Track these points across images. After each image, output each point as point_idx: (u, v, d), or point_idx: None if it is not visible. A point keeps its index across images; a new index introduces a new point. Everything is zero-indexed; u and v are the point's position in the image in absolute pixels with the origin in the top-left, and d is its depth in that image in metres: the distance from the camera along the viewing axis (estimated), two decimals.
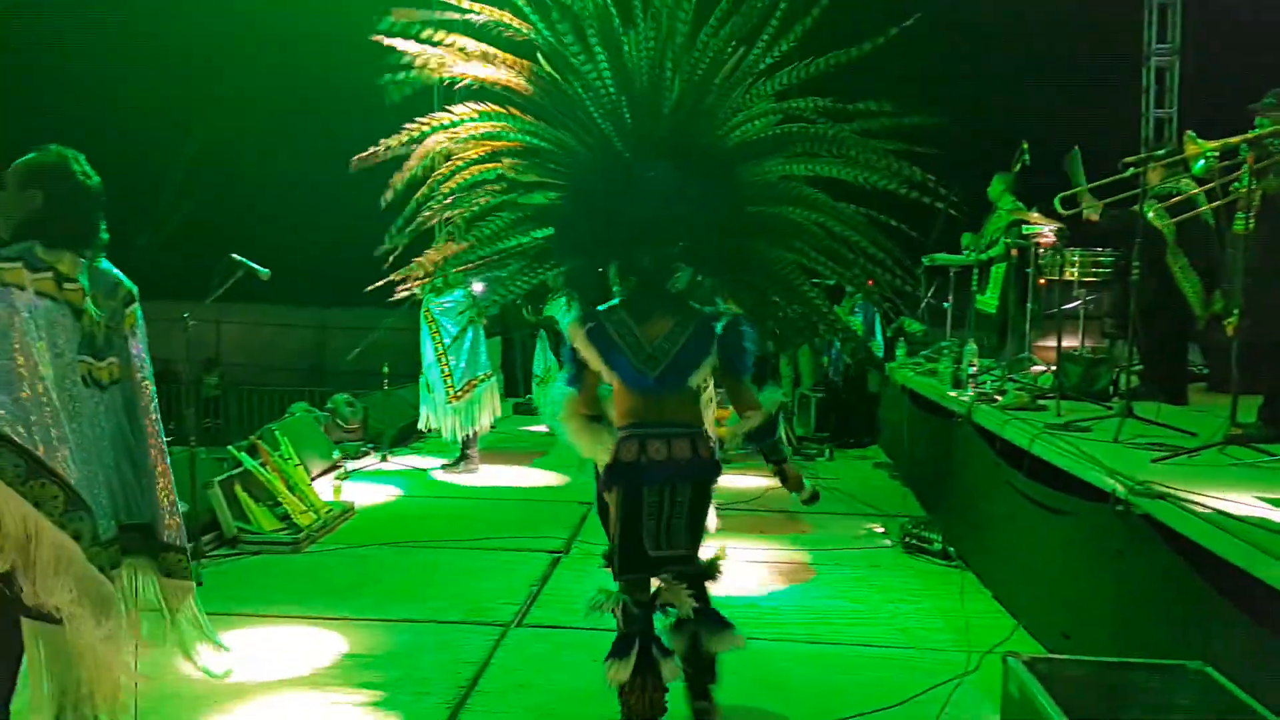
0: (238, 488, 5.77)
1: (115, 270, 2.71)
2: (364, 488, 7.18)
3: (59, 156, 2.63)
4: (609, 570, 3.42)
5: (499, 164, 3.42)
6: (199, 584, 4.75)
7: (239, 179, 14.37)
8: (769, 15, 3.19)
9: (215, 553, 5.44)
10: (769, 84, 3.30)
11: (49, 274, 2.47)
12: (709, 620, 3.41)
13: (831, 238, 3.42)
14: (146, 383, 2.69)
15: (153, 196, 14.52)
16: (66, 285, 2.50)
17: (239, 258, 5.12)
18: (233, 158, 14.25)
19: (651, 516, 3.25)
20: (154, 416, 2.69)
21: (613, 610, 3.37)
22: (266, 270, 5.17)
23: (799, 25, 3.21)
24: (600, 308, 3.35)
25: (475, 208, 3.46)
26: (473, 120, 3.34)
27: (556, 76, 3.32)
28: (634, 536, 3.26)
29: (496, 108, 3.32)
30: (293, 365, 15.87)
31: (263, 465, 6.10)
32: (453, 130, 3.34)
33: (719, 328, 3.28)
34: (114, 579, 2.53)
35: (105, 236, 2.67)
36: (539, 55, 3.34)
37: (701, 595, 3.40)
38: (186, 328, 5.30)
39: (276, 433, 6.68)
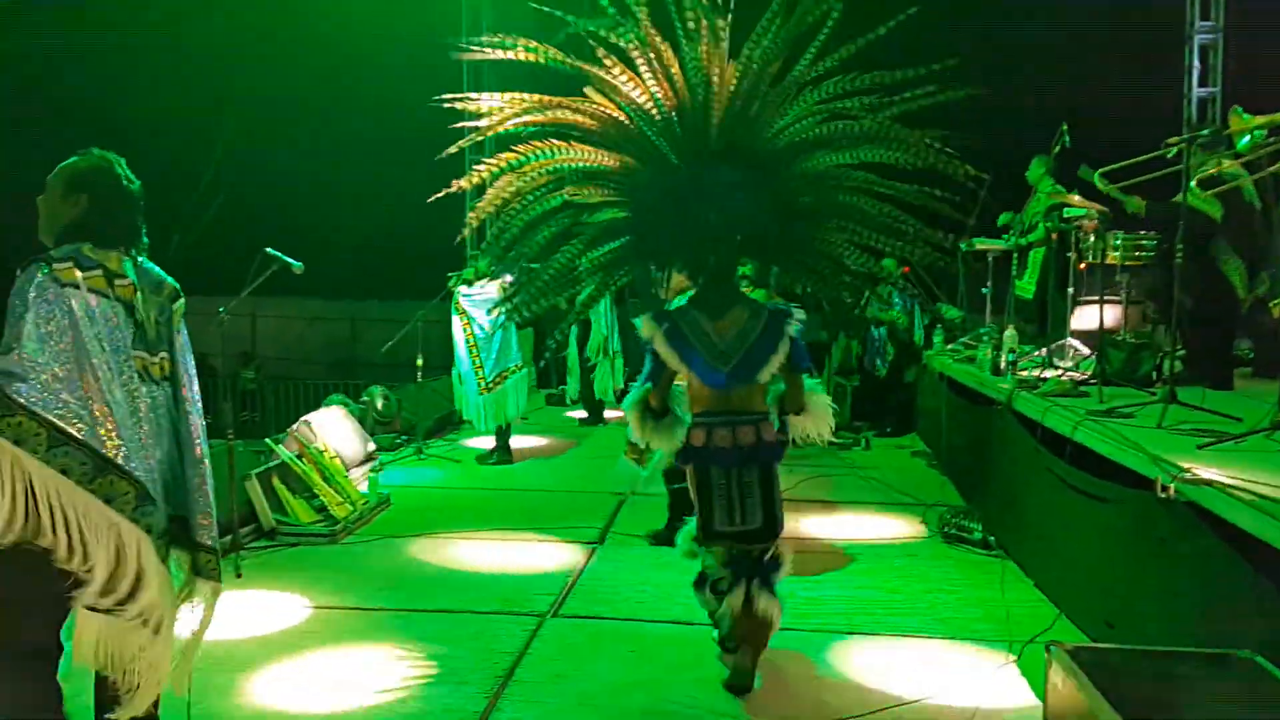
0: (275, 480, 5.84)
1: (158, 269, 2.74)
2: (399, 479, 7.23)
3: (102, 160, 2.65)
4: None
5: (562, 192, 3.66)
6: (239, 576, 4.88)
7: (271, 174, 14.50)
8: (817, 28, 3.41)
9: (254, 544, 5.51)
10: (815, 92, 3.55)
11: (99, 271, 2.49)
12: (765, 579, 3.66)
13: (880, 216, 3.68)
14: (191, 379, 2.72)
15: (186, 192, 14.71)
16: (117, 282, 2.53)
17: (273, 252, 5.15)
18: (265, 153, 14.39)
19: (721, 496, 3.60)
20: (198, 411, 2.72)
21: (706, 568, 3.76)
22: (300, 264, 5.20)
23: (843, 47, 3.47)
24: (671, 306, 3.68)
25: (541, 240, 3.72)
26: (536, 158, 3.55)
27: (607, 106, 3.57)
28: (709, 512, 3.63)
29: (556, 142, 3.56)
30: (326, 358, 16.02)
31: (299, 458, 6.16)
32: (520, 171, 3.59)
33: (791, 328, 3.58)
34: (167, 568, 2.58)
35: (146, 240, 2.71)
36: (586, 90, 3.59)
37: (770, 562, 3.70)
38: (222, 322, 5.35)
39: (312, 425, 6.73)
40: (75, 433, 2.30)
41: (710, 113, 3.53)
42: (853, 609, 4.56)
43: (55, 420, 2.28)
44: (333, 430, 7.06)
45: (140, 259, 2.67)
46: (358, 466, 7.24)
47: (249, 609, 4.52)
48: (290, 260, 5.17)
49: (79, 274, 2.44)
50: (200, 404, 2.74)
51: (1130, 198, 5.85)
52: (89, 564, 2.31)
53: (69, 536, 2.28)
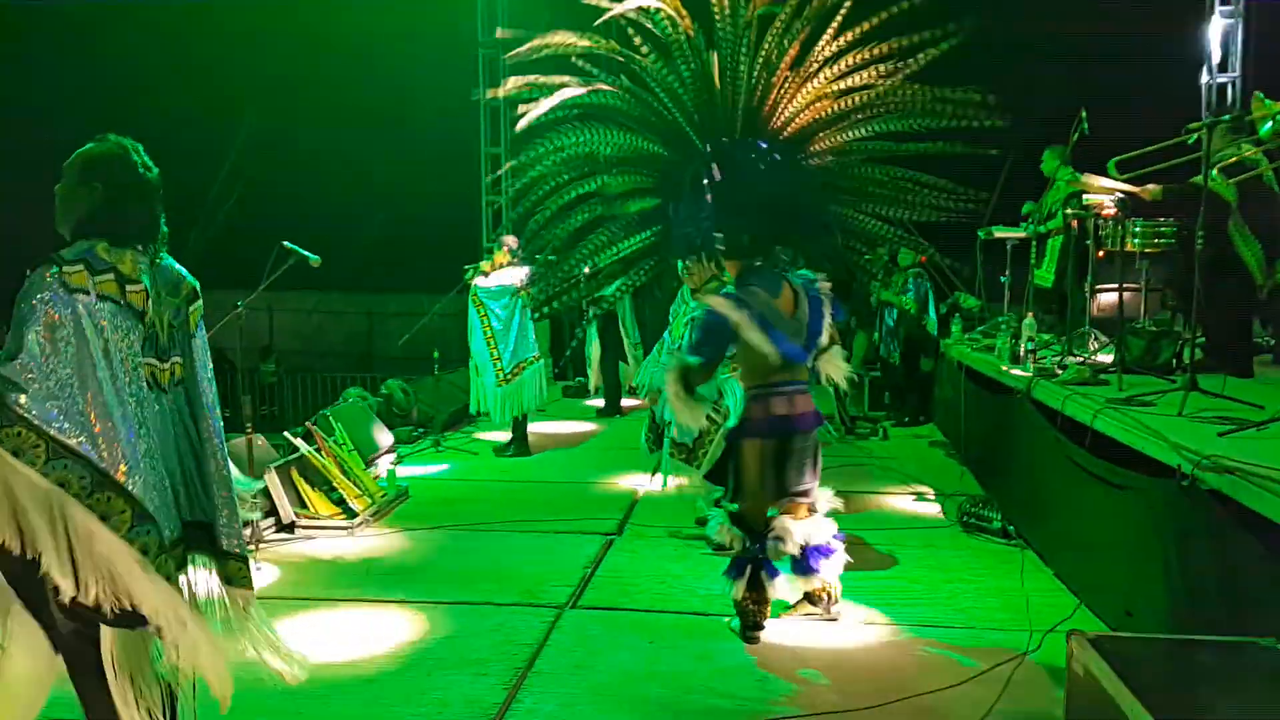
0: (294, 473, 5.88)
1: (178, 266, 2.64)
2: (417, 472, 7.26)
3: (119, 146, 2.55)
4: (730, 506, 4.10)
5: (595, 178, 3.88)
6: (257, 568, 4.92)
7: (289, 168, 14.57)
8: (830, 16, 3.51)
9: (274, 537, 5.55)
10: (834, 68, 3.76)
11: (111, 275, 2.39)
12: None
13: (896, 187, 3.98)
14: (209, 382, 2.64)
15: (204, 187, 14.79)
16: (130, 288, 2.43)
17: (291, 245, 5.17)
18: (283, 147, 14.46)
19: (797, 459, 3.98)
20: (215, 414, 2.64)
21: (730, 541, 4.06)
22: (317, 257, 5.22)
23: (858, 25, 3.55)
24: (725, 290, 3.83)
25: (572, 226, 3.94)
26: (571, 140, 3.73)
27: (640, 91, 3.75)
28: (781, 476, 3.98)
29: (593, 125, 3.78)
30: (344, 351, 16.09)
31: (318, 451, 6.19)
32: (556, 149, 3.78)
33: (823, 291, 3.90)
34: (178, 580, 2.49)
35: (165, 230, 2.60)
36: (622, 76, 3.76)
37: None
38: (240, 316, 5.38)
39: (331, 418, 6.77)
40: (75, 445, 2.24)
41: (737, 99, 3.64)
42: (871, 598, 4.55)
43: (54, 433, 2.22)
44: (351, 423, 7.10)
45: (159, 256, 2.57)
46: (375, 459, 7.28)
47: (269, 602, 4.56)
48: (307, 254, 5.19)
49: (90, 279, 2.35)
50: (218, 407, 2.66)
51: (1143, 187, 5.80)
52: (76, 578, 2.25)
53: (57, 548, 2.23)
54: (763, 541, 4.02)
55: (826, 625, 4.23)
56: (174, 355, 2.55)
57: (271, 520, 5.63)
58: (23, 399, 2.20)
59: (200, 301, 2.67)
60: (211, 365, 2.69)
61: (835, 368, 4.21)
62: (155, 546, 2.36)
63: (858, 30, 3.58)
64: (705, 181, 3.74)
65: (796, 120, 3.76)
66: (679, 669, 3.83)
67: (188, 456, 2.56)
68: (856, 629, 4.22)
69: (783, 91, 3.72)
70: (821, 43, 3.63)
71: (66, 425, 2.23)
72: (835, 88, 3.70)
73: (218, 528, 2.59)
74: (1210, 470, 3.35)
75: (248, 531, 5.20)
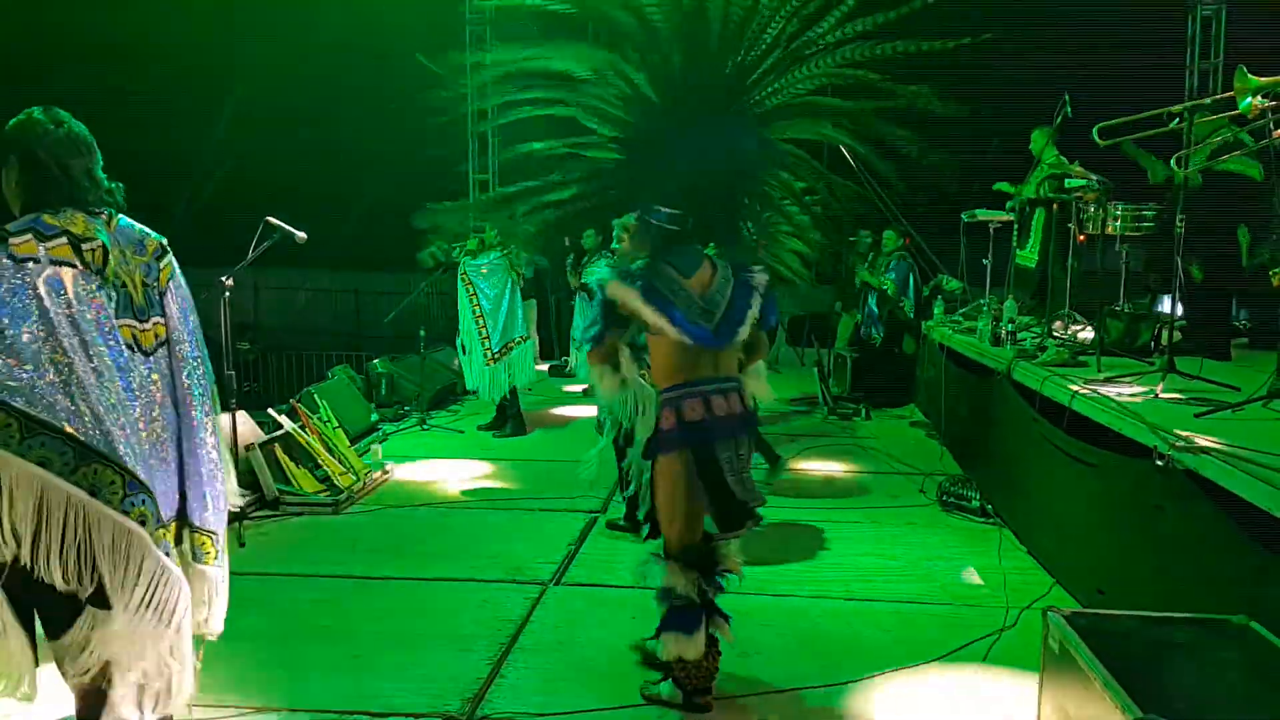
0: (278, 450, 5.87)
1: (137, 225, 2.49)
2: (402, 450, 7.27)
3: (23, 115, 2.38)
4: (657, 542, 3.45)
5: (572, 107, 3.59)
6: (241, 545, 4.93)
7: (275, 145, 14.45)
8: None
9: (257, 514, 5.55)
10: (831, 57, 3.52)
11: (63, 239, 2.25)
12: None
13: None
14: (189, 340, 2.50)
15: (189, 163, 14.65)
16: (85, 246, 2.28)
17: (275, 221, 5.14)
18: (268, 124, 14.33)
19: (732, 472, 3.20)
20: (207, 370, 2.52)
21: (676, 586, 3.30)
22: (303, 234, 5.19)
23: (861, 19, 3.49)
24: (634, 266, 3.34)
25: (538, 155, 3.67)
26: (555, 53, 3.47)
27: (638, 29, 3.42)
28: (725, 495, 3.20)
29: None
30: (330, 329, 16.02)
31: (303, 428, 6.19)
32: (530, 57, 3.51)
33: (756, 280, 3.33)
34: (176, 554, 2.39)
35: (113, 186, 2.44)
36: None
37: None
38: (224, 292, 5.35)
39: (316, 396, 6.77)
40: (49, 420, 2.11)
41: (725, 61, 3.48)
42: (852, 576, 4.61)
43: (25, 409, 2.09)
44: (336, 400, 7.09)
45: (114, 216, 2.42)
46: (361, 437, 7.28)
47: (252, 579, 4.58)
48: (292, 229, 5.16)
49: (40, 247, 2.21)
50: (208, 363, 2.53)
51: (1156, 163, 5.83)
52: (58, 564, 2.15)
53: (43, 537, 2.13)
54: (713, 579, 3.38)
55: (808, 602, 4.27)
56: (154, 315, 2.42)
57: (255, 497, 5.64)
58: None
59: (170, 256, 2.52)
60: (197, 320, 2.55)
61: (757, 384, 3.49)
62: (152, 518, 2.27)
63: (864, 22, 3.49)
64: (661, 146, 3.48)
65: (776, 101, 3.64)
66: None
67: (174, 422, 2.43)
68: (837, 605, 4.27)
69: (773, 68, 3.59)
70: (825, 28, 3.51)
71: (37, 400, 2.11)
72: (818, 76, 3.61)
73: (194, 496, 2.46)
74: (1186, 450, 3.41)
75: (241, 502, 5.19)
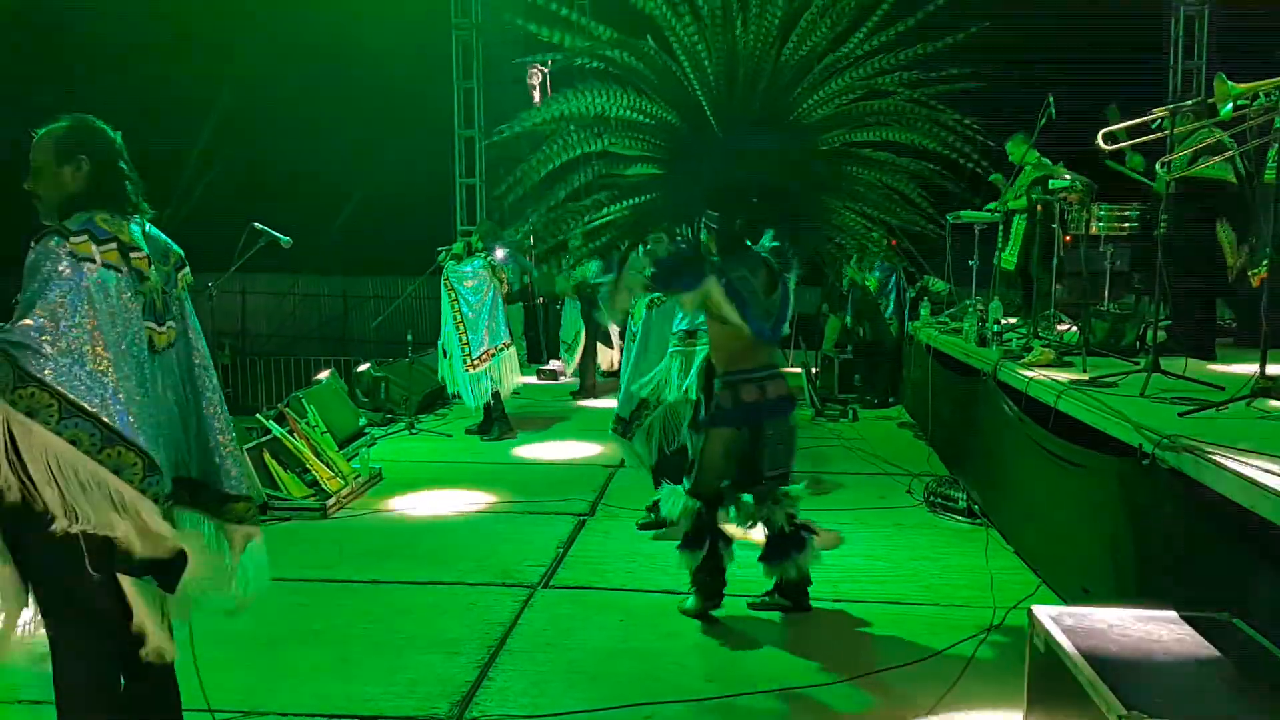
0: (266, 455, 5.86)
1: (162, 235, 2.71)
2: (390, 453, 7.26)
3: (83, 119, 2.58)
4: (689, 483, 4.11)
5: (603, 139, 3.73)
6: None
7: (262, 149, 14.40)
8: (868, 13, 3.51)
9: None
10: (860, 69, 3.70)
11: (114, 245, 2.46)
12: (799, 538, 4.15)
13: (887, 189, 3.99)
14: (201, 341, 2.73)
15: (175, 168, 14.58)
16: (133, 255, 2.51)
17: (261, 226, 5.14)
18: (256, 128, 14.27)
19: (769, 445, 4.00)
20: (212, 371, 2.74)
21: (681, 516, 4.08)
22: (289, 238, 5.19)
23: (886, 29, 3.61)
24: (714, 259, 3.83)
25: (566, 189, 3.78)
26: (584, 100, 3.59)
27: (665, 55, 3.61)
28: (755, 463, 4.03)
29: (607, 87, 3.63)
30: (318, 334, 15.97)
31: (290, 433, 6.17)
32: (564, 109, 3.64)
33: (792, 284, 4.00)
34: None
35: (145, 205, 2.65)
36: (649, 36, 3.62)
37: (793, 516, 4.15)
38: (211, 297, 5.34)
39: (304, 400, 6.75)
40: (86, 405, 2.33)
41: (759, 80, 3.65)
42: (839, 576, 4.62)
43: (66, 392, 2.31)
44: (324, 405, 7.07)
45: (147, 225, 2.64)
46: (349, 441, 7.26)
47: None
48: (278, 235, 5.16)
49: (95, 248, 2.42)
50: (212, 367, 2.75)
51: (1135, 156, 5.89)
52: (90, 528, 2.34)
53: (63, 501, 2.31)
54: (713, 511, 4.09)
55: None
56: (169, 320, 2.63)
57: None
58: (37, 360, 2.29)
59: (188, 269, 2.75)
60: (199, 326, 2.77)
61: None
62: (163, 498, 2.48)
63: (890, 32, 3.58)
64: (708, 157, 3.76)
65: (814, 113, 3.78)
66: (649, 646, 3.87)
67: (187, 415, 2.66)
68: (825, 606, 4.28)
69: (808, 81, 3.73)
70: (855, 42, 3.63)
71: (78, 386, 2.33)
72: (857, 87, 3.74)
73: (222, 472, 2.69)
74: (1170, 449, 3.42)
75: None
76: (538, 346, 12.01)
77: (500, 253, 8.04)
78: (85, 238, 2.41)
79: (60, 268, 2.35)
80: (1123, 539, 3.75)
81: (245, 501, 2.75)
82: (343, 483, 6.06)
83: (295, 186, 13.61)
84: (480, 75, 12.26)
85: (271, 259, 5.27)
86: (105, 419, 2.35)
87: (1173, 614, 2.96)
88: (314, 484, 5.94)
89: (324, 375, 8.13)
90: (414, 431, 8.14)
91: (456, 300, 7.60)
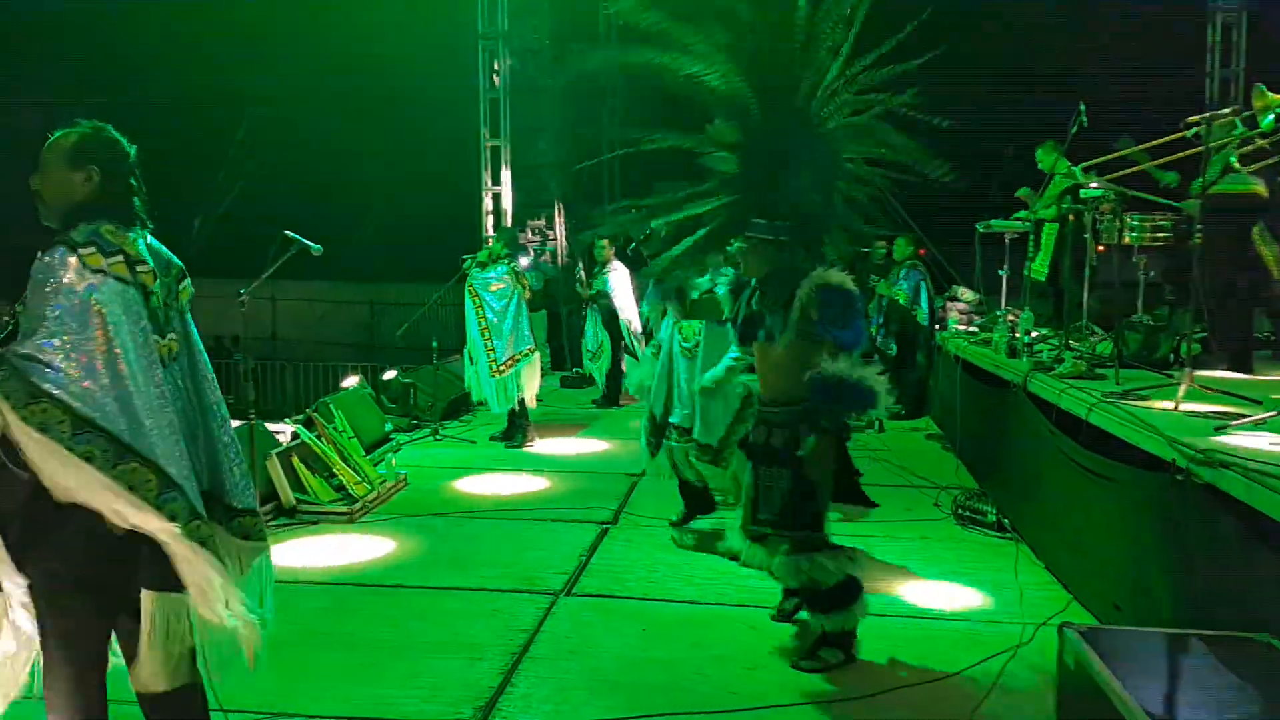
0: (295, 459, 5.90)
1: (164, 248, 2.64)
2: (415, 459, 7.28)
3: (101, 128, 2.54)
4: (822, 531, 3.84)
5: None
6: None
7: (291, 158, 14.57)
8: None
9: (275, 523, 5.57)
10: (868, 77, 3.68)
11: (120, 257, 2.41)
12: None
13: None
14: (203, 353, 2.69)
15: (208, 176, 14.76)
16: (139, 268, 2.46)
17: (292, 234, 5.19)
18: (285, 137, 14.44)
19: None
20: (214, 385, 2.69)
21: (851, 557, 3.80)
22: (319, 246, 5.23)
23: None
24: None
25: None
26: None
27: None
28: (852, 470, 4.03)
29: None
30: (346, 340, 16.09)
31: (318, 438, 6.21)
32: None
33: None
34: (219, 538, 2.54)
35: (150, 221, 2.60)
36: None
37: None
38: (243, 304, 5.38)
39: (331, 406, 6.79)
40: (99, 419, 2.28)
41: (794, 95, 3.65)
42: (866, 589, 4.56)
43: (78, 407, 2.26)
44: (351, 411, 7.11)
45: (148, 237, 2.57)
46: (375, 447, 7.30)
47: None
48: (309, 243, 5.20)
49: (103, 260, 2.37)
50: (215, 379, 2.71)
51: (1168, 174, 5.82)
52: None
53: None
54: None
55: None
56: (170, 332, 2.58)
57: (272, 505, 5.65)
58: (48, 374, 2.25)
59: (189, 281, 2.70)
60: (199, 339, 2.71)
61: None
62: (185, 513, 2.40)
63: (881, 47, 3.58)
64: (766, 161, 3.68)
65: (842, 123, 3.76)
66: (672, 656, 3.85)
67: (196, 428, 2.61)
68: None
69: (838, 92, 3.71)
70: (871, 58, 3.62)
71: (90, 400, 2.28)
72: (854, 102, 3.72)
73: (229, 485, 2.65)
74: (1205, 464, 3.36)
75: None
76: (561, 354, 12.03)
77: (524, 259, 8.07)
78: (93, 249, 2.37)
79: (69, 280, 2.31)
80: (1156, 555, 3.68)
81: (252, 516, 2.69)
82: (369, 488, 6.08)
83: (325, 195, 13.75)
84: (506, 85, 12.34)
85: (301, 267, 5.31)
86: (117, 433, 2.30)
87: (1209, 634, 2.90)
88: (341, 488, 5.97)
89: (352, 381, 8.20)
90: (439, 438, 8.17)
91: (481, 307, 7.64)
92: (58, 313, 2.28)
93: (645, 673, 3.71)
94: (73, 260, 2.33)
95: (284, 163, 14.68)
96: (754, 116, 3.67)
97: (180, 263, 2.68)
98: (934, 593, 4.56)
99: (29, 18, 13.85)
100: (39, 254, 2.35)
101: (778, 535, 3.74)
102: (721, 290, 4.35)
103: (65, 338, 2.28)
